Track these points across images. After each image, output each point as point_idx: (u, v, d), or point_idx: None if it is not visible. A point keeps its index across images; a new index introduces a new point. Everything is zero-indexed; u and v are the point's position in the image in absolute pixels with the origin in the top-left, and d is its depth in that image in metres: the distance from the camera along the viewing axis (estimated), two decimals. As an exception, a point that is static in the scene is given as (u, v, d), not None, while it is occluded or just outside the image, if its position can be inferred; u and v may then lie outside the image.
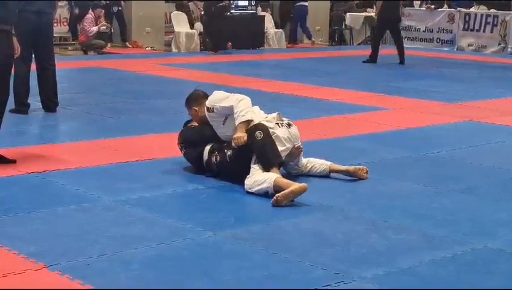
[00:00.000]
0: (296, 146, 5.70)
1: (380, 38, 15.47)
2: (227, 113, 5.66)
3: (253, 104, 5.75)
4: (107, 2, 17.21)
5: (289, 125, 5.72)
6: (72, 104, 9.08)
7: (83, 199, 5.11)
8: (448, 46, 18.73)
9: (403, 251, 4.28)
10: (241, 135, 5.45)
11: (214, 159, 5.67)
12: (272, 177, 5.24)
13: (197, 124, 5.92)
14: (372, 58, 14.93)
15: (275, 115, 5.77)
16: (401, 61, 14.92)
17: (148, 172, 5.89)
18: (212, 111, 5.74)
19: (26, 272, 3.79)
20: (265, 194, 5.23)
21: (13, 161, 5.92)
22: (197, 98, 5.95)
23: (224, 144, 5.70)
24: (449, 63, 15.84)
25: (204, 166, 5.75)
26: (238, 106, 5.58)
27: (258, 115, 5.70)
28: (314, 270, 3.95)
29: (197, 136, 5.83)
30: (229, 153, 5.58)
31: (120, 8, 17.44)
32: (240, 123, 5.51)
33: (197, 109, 5.88)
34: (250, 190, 5.33)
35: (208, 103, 5.80)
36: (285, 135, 5.62)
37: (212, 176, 5.69)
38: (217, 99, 5.75)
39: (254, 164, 5.42)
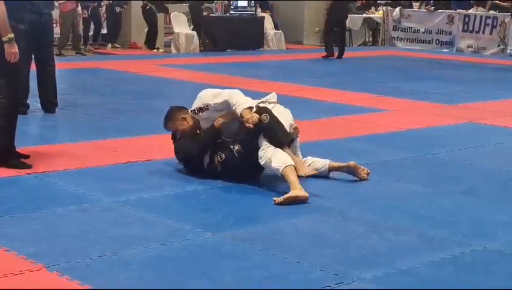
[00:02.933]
0: (293, 126, 5.73)
1: (332, 35, 16.34)
2: (223, 109, 5.70)
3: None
4: (110, 1, 17.24)
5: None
6: (71, 104, 9.08)
7: (83, 200, 5.11)
8: (447, 47, 18.73)
9: (403, 252, 4.28)
10: (253, 114, 5.46)
11: (217, 159, 5.66)
12: (286, 162, 5.26)
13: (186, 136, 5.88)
14: (328, 54, 15.94)
15: (273, 93, 5.92)
16: (340, 56, 15.97)
17: (148, 173, 5.89)
18: (207, 109, 5.75)
19: (25, 272, 3.79)
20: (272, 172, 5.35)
21: (27, 156, 6.06)
22: (178, 109, 5.94)
23: (224, 145, 5.68)
24: (448, 64, 15.84)
25: (205, 169, 5.73)
26: (233, 99, 5.62)
27: (253, 101, 5.74)
28: (313, 271, 3.95)
29: (196, 149, 5.73)
30: (236, 148, 5.57)
31: (121, 10, 17.44)
32: (243, 110, 5.52)
33: (185, 116, 5.83)
34: (267, 162, 5.35)
35: (196, 104, 5.80)
36: (283, 111, 5.74)
37: (214, 177, 5.69)
38: (210, 97, 5.76)
39: (265, 143, 5.44)
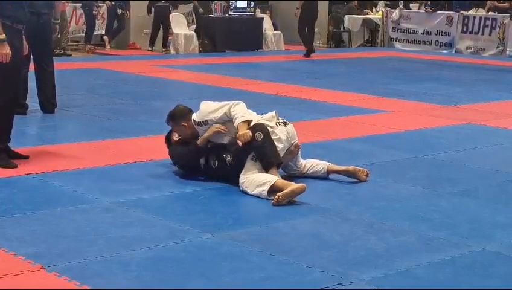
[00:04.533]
0: (294, 144, 5.71)
1: (305, 33, 16.47)
2: (224, 121, 5.66)
3: (250, 107, 5.77)
4: (112, 3, 17.27)
5: (285, 124, 5.72)
6: (71, 105, 9.08)
7: (81, 200, 5.11)
8: (446, 48, 18.74)
9: (401, 253, 4.28)
10: (246, 132, 5.41)
11: (212, 163, 5.66)
12: (272, 180, 5.24)
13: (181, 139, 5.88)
14: (309, 52, 16.24)
15: (273, 113, 5.77)
16: (307, 54, 16.33)
17: (147, 173, 5.89)
18: (206, 124, 5.71)
19: (23, 273, 3.79)
20: (259, 196, 5.26)
21: (26, 157, 6.12)
22: (183, 113, 5.89)
23: (220, 149, 5.67)
24: (447, 65, 15.85)
25: (202, 169, 5.74)
26: (235, 110, 5.57)
27: (255, 116, 5.71)
28: (312, 272, 3.95)
29: (190, 154, 5.75)
30: (228, 158, 5.56)
31: (123, 12, 17.43)
32: (240, 123, 5.50)
33: (186, 124, 5.81)
34: (246, 189, 5.32)
35: (197, 117, 5.76)
36: (283, 134, 5.62)
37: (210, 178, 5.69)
38: (209, 111, 5.69)
39: (251, 159, 5.42)
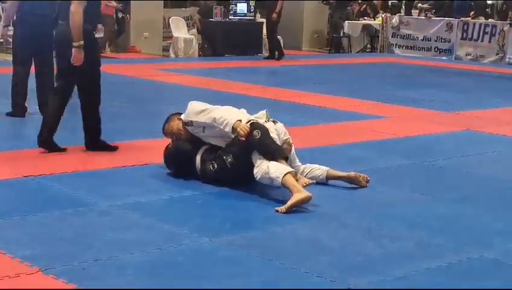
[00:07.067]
0: (286, 141, 5.70)
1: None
2: (205, 126, 5.70)
3: (248, 112, 5.77)
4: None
5: (274, 122, 5.74)
6: (70, 107, 9.03)
7: (79, 203, 5.11)
8: (446, 55, 18.74)
9: (399, 259, 4.28)
10: (244, 125, 5.43)
11: (210, 167, 5.65)
12: (284, 170, 5.23)
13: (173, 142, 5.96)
14: (272, 55, 16.67)
15: (263, 112, 5.79)
16: (279, 56, 16.64)
17: (145, 177, 5.89)
18: (191, 124, 5.76)
19: (21, 275, 3.79)
20: (270, 183, 5.28)
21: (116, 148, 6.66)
22: (176, 113, 5.97)
23: (218, 150, 5.67)
24: (447, 72, 15.86)
25: (198, 173, 5.74)
26: (219, 118, 5.57)
27: (245, 115, 5.70)
28: (309, 277, 3.95)
29: (178, 154, 5.84)
30: (229, 160, 5.56)
31: (123, 15, 17.44)
32: (235, 123, 5.49)
33: (182, 118, 5.88)
34: (263, 175, 5.29)
35: (184, 117, 5.82)
36: (273, 128, 5.62)
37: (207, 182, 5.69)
38: (194, 113, 5.75)
39: (259, 158, 5.40)
